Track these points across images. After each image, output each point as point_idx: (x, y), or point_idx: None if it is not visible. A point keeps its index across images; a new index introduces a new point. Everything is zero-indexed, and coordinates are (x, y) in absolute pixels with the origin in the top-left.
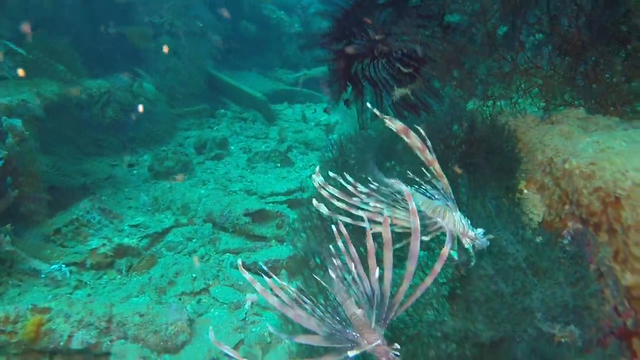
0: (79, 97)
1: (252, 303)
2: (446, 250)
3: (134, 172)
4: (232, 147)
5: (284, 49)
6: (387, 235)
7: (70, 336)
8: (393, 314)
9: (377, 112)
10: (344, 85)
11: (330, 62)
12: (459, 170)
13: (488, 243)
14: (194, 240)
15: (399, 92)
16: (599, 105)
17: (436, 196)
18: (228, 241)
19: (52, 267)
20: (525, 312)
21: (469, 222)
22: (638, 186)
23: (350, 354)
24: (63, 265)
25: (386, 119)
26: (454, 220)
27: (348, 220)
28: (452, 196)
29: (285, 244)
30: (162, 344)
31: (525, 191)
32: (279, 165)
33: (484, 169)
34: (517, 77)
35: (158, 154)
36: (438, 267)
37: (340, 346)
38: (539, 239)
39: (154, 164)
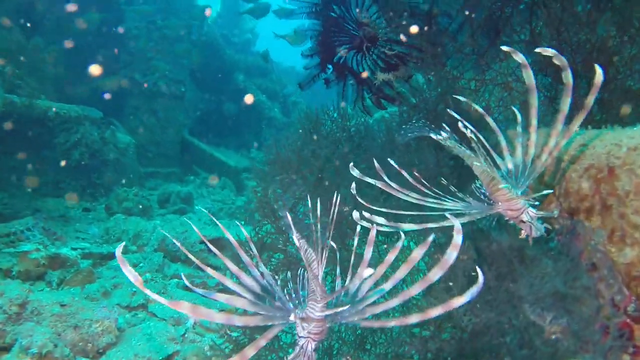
0: (44, 113)
1: (194, 322)
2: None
3: (90, 215)
4: (197, 207)
5: (262, 131)
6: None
7: None
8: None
9: None
10: (324, 62)
11: (314, 37)
12: None
13: (544, 228)
14: (140, 266)
15: (381, 76)
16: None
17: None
18: (178, 268)
19: None
20: (510, 299)
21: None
22: (634, 150)
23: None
24: None
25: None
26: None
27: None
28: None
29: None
30: (81, 343)
31: None
32: (243, 222)
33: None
34: (497, 89)
35: (119, 194)
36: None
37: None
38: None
39: (113, 203)
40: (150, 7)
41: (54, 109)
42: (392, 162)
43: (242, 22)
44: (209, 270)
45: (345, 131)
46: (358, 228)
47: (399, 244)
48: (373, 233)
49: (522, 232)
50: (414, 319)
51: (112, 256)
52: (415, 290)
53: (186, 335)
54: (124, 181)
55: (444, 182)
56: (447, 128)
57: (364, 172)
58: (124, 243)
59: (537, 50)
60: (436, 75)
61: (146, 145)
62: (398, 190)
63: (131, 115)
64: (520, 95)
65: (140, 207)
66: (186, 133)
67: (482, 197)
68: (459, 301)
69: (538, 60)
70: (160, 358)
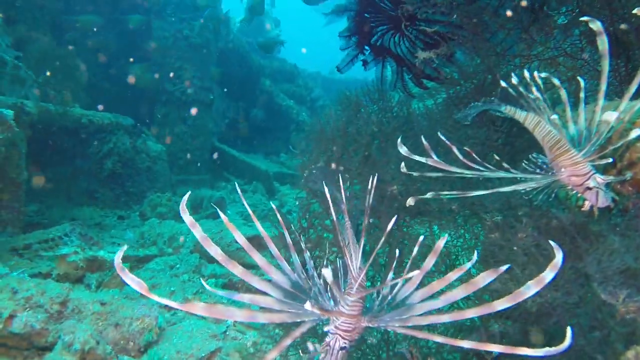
0: (78, 120)
1: (235, 320)
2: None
3: (124, 222)
4: (229, 212)
5: (291, 136)
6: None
7: (11, 316)
8: None
9: None
10: (361, 44)
11: (351, 18)
12: None
13: (611, 198)
14: (177, 267)
15: (423, 55)
16: None
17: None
18: (215, 268)
19: (12, 274)
20: (577, 277)
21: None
22: None
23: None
24: (26, 275)
25: None
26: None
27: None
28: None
29: None
30: (122, 341)
31: None
32: (276, 224)
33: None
34: (543, 65)
35: (152, 200)
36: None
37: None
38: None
39: (146, 209)
40: (94, 17)
41: (87, 117)
42: (442, 136)
43: (266, 29)
44: (232, 267)
45: (387, 111)
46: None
47: (440, 244)
48: (440, 244)
49: (586, 203)
50: (471, 313)
51: (148, 259)
52: (470, 313)
53: (227, 333)
54: (156, 189)
55: (497, 157)
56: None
57: (411, 151)
58: (125, 248)
59: (583, 19)
60: (479, 52)
61: (176, 153)
62: (449, 167)
63: (161, 124)
64: (567, 71)
65: (174, 212)
66: (215, 140)
67: (539, 169)
68: (527, 294)
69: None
70: (203, 355)
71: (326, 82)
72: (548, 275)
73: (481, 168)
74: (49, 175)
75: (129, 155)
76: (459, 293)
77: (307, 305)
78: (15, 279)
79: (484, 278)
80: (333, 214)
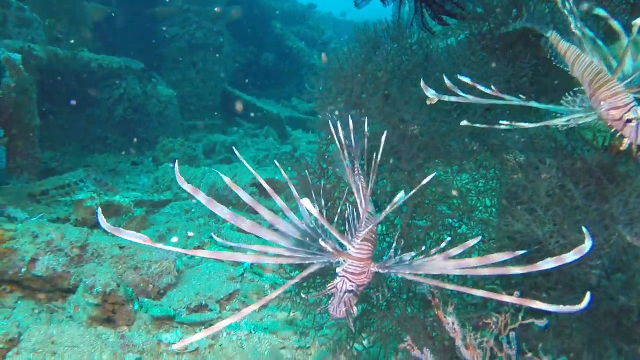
0: (87, 65)
1: (252, 263)
2: None
3: (138, 168)
4: (243, 156)
5: (302, 80)
6: None
7: (34, 259)
8: None
9: None
10: None
11: None
12: None
13: None
14: (192, 211)
15: None
16: None
17: None
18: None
19: (32, 218)
20: (602, 219)
21: None
22: None
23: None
24: (45, 219)
25: None
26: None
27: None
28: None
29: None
30: (142, 284)
31: None
32: (290, 167)
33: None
34: None
35: (164, 144)
36: None
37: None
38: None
39: (159, 154)
40: None
41: (97, 61)
42: (463, 78)
43: None
44: (241, 222)
45: (407, 49)
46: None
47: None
48: (471, 242)
49: (625, 140)
50: (485, 271)
51: (163, 203)
52: (485, 271)
53: (245, 275)
54: (167, 134)
55: (522, 97)
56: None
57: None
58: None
59: None
60: None
61: (187, 98)
62: (475, 100)
63: (171, 69)
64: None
65: (187, 157)
66: (227, 85)
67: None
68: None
69: None
70: (221, 296)
71: (337, 24)
72: (570, 257)
73: (513, 98)
74: (61, 122)
75: (139, 100)
76: (472, 261)
77: (322, 242)
78: (35, 223)
79: (500, 256)
80: (342, 157)
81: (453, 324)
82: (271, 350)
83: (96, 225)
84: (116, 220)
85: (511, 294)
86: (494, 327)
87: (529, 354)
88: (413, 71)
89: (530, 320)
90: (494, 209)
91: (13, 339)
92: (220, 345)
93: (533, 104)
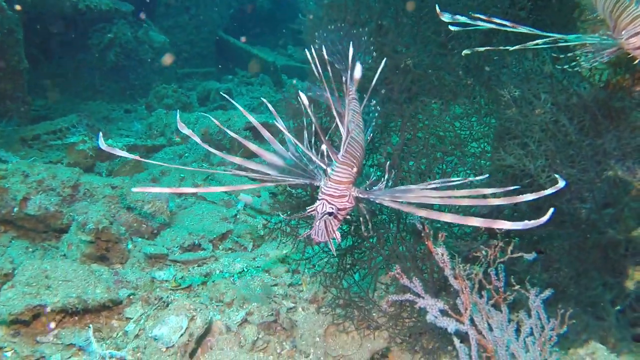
0: (75, 6)
1: (245, 204)
2: None
3: (131, 115)
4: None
5: (299, 28)
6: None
7: (25, 198)
8: None
9: None
10: None
11: None
12: None
13: None
14: (186, 156)
15: None
16: None
17: None
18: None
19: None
20: (595, 154)
21: None
22: None
23: None
24: (38, 162)
25: None
26: None
27: None
28: None
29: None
30: (135, 224)
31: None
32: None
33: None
34: None
35: (158, 91)
36: None
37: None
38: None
39: (152, 101)
40: None
41: (84, 2)
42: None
43: None
44: (231, 158)
45: None
46: None
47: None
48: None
49: None
50: (465, 201)
51: (157, 148)
52: (465, 201)
53: (238, 216)
54: (161, 81)
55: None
56: None
57: (425, 20)
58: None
59: None
60: None
61: (180, 45)
62: (488, 21)
63: (163, 15)
64: None
65: (180, 104)
66: (221, 32)
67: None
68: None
69: None
70: (214, 236)
71: None
72: (548, 191)
73: (531, 29)
74: (51, 68)
75: (131, 46)
76: (456, 192)
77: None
78: (25, 163)
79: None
80: (324, 87)
81: (443, 255)
82: (263, 285)
83: (89, 169)
84: (109, 164)
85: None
86: (483, 260)
87: (517, 287)
88: (408, 1)
89: (519, 254)
90: (486, 145)
91: (7, 273)
92: (213, 281)
93: (548, 33)
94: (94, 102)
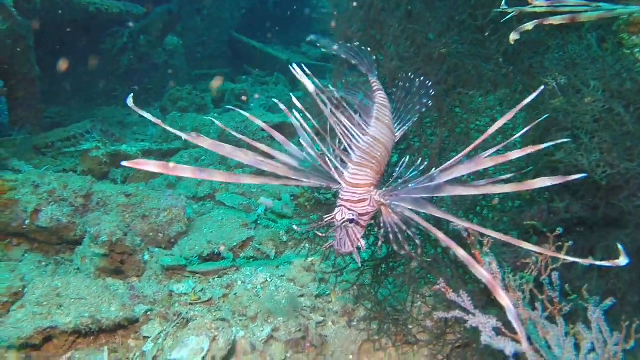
0: (86, 10)
1: (266, 208)
2: None
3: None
4: (252, 105)
5: (312, 25)
6: None
7: (37, 210)
8: None
9: None
10: None
11: None
12: None
13: None
14: (202, 159)
15: None
16: None
17: None
18: None
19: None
20: None
21: None
22: None
23: None
24: (50, 171)
25: None
26: None
27: None
28: None
29: None
30: (151, 233)
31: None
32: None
33: None
34: None
35: (172, 94)
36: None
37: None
38: None
39: (167, 104)
40: None
41: (95, 6)
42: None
43: None
44: (243, 155)
45: None
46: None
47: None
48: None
49: None
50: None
51: (173, 152)
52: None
53: (259, 222)
54: (175, 84)
55: None
56: None
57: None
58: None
59: None
60: None
61: (192, 47)
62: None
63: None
64: None
65: (195, 106)
66: (233, 32)
67: None
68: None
69: None
70: (235, 244)
71: None
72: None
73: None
74: (64, 75)
75: (143, 50)
76: (488, 161)
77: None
78: (35, 173)
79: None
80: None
81: (491, 264)
82: (289, 297)
83: (104, 176)
84: (124, 170)
85: (554, 235)
86: (533, 268)
87: (573, 296)
88: None
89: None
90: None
91: (17, 292)
92: (235, 294)
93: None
94: (108, 107)
